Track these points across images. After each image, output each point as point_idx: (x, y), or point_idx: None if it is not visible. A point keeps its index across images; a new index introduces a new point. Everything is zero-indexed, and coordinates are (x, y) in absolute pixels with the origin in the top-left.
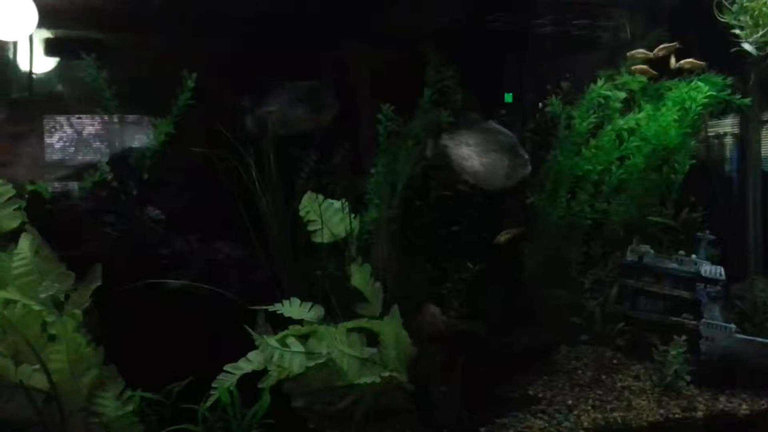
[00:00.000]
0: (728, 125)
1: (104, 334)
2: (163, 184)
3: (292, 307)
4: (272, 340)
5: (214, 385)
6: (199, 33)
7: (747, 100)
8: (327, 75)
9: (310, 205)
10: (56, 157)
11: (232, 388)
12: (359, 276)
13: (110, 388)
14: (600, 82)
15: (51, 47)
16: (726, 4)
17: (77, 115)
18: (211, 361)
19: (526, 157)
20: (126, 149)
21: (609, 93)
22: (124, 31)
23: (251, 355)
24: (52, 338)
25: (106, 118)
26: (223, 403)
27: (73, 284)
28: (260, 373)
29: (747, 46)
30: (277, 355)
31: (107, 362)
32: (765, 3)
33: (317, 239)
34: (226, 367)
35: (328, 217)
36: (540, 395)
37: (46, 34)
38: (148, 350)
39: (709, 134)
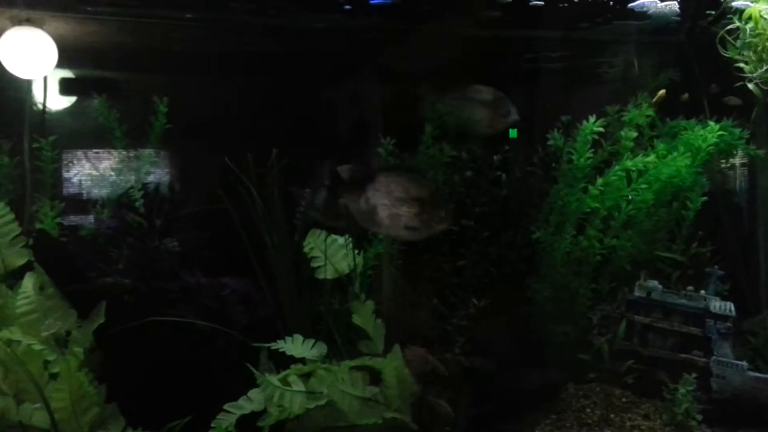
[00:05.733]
0: (737, 157)
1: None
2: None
3: (294, 345)
4: (274, 379)
5: (213, 425)
6: None
7: (761, 152)
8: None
9: (313, 241)
10: None
11: (231, 429)
12: (361, 313)
13: (111, 426)
14: (592, 119)
15: None
16: (730, 39)
17: None
18: (213, 398)
19: None
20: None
21: (601, 129)
22: None
23: (252, 393)
24: (53, 377)
25: None
26: None
27: (77, 321)
28: (261, 412)
29: (750, 86)
30: (278, 395)
31: (108, 400)
32: None
33: (320, 275)
34: (227, 407)
35: (331, 253)
36: None
37: None
38: (149, 385)
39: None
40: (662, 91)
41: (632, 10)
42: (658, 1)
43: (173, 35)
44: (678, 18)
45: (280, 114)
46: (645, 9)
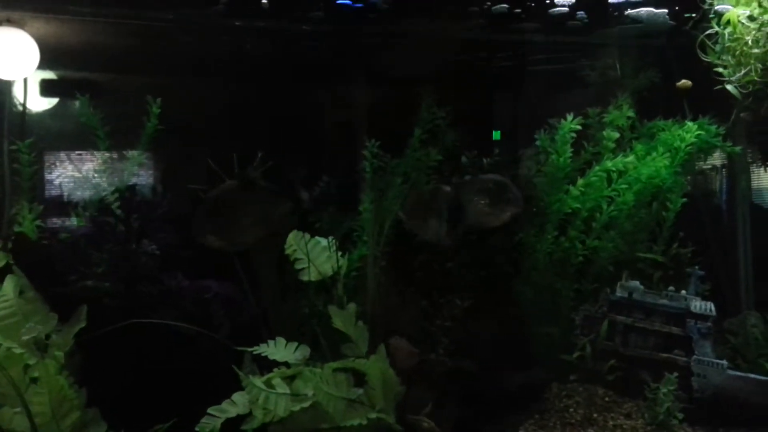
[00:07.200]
0: (716, 158)
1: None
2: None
3: (277, 349)
4: (259, 382)
5: (197, 429)
6: None
7: (738, 148)
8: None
9: (296, 243)
10: None
11: None
12: (340, 318)
13: (92, 430)
14: (569, 118)
15: None
16: (709, 44)
17: None
18: (195, 402)
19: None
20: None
21: (579, 127)
22: None
23: (236, 397)
24: (34, 381)
25: None
26: None
27: (58, 325)
28: (245, 416)
29: (730, 88)
30: (263, 397)
31: (89, 404)
32: (746, 42)
33: (304, 278)
34: (210, 410)
35: (315, 255)
36: None
37: None
38: (130, 389)
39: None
40: (687, 82)
41: (628, 17)
42: (653, 9)
43: (155, 36)
44: (672, 23)
45: (267, 117)
46: (639, 17)
